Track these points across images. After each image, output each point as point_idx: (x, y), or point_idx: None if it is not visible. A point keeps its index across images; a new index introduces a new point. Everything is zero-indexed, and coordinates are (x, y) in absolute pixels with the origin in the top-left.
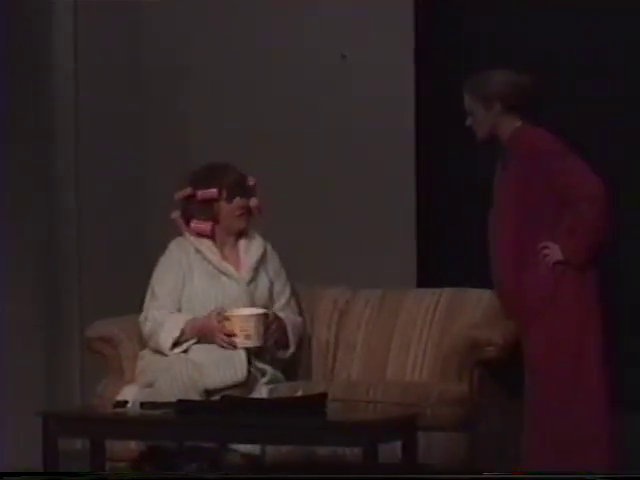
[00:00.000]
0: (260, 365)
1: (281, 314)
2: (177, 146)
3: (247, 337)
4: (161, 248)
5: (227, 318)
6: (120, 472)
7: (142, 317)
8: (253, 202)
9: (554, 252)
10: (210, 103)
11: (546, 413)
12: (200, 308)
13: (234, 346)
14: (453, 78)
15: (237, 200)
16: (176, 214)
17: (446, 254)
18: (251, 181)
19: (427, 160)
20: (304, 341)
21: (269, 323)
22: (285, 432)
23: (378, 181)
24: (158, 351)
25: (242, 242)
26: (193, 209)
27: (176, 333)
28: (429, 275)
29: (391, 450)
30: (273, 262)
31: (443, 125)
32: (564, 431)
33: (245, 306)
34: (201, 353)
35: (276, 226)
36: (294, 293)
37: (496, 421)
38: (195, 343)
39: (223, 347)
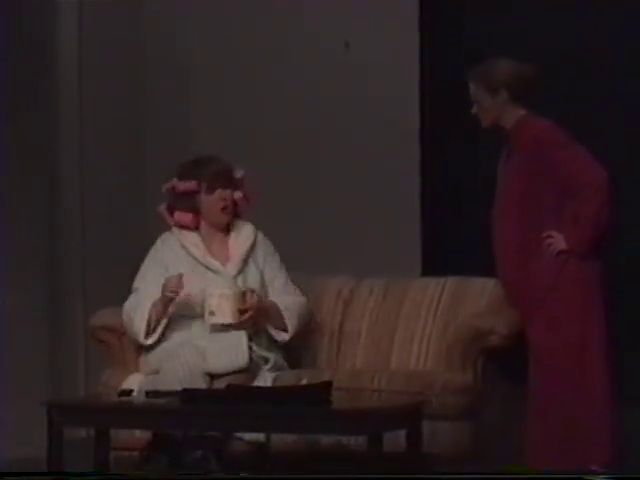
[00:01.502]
0: (262, 352)
1: (276, 299)
2: (179, 141)
3: (211, 314)
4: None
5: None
6: (121, 472)
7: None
8: (237, 194)
9: (558, 241)
10: (211, 102)
11: (549, 402)
12: (185, 304)
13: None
14: (457, 71)
15: (218, 192)
16: (162, 207)
17: (450, 243)
18: (238, 173)
19: (431, 149)
20: (309, 322)
21: (246, 302)
22: (289, 421)
23: (382, 171)
24: (162, 339)
25: (232, 235)
26: (177, 202)
27: (144, 323)
28: (433, 264)
29: (395, 439)
30: (263, 250)
31: (447, 115)
32: (567, 421)
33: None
34: (205, 339)
35: (280, 216)
36: (288, 279)
37: (500, 410)
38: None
39: (169, 299)
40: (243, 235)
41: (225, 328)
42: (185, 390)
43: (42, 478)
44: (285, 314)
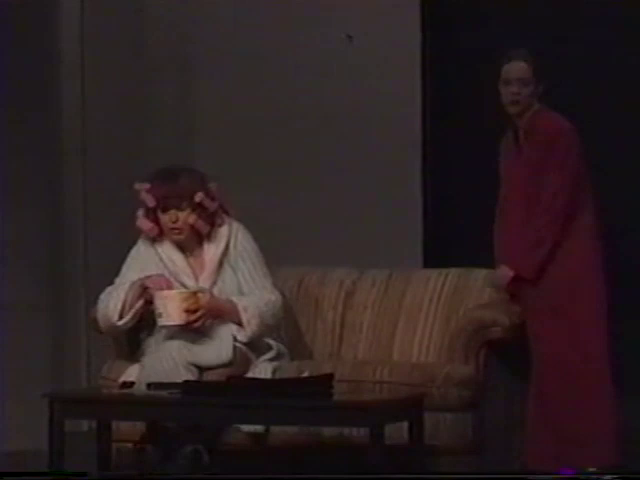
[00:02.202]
0: (254, 343)
1: (238, 299)
2: (180, 139)
3: (159, 316)
4: None
5: None
6: (121, 472)
7: None
8: (191, 218)
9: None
10: (213, 99)
11: (551, 397)
12: None
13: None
14: (459, 64)
15: (170, 213)
16: (140, 211)
17: (452, 235)
18: (197, 197)
19: (433, 141)
20: (278, 320)
21: (197, 301)
22: (291, 413)
23: (384, 163)
24: (155, 332)
25: (205, 243)
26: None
27: (119, 303)
28: (435, 256)
29: (397, 431)
30: (236, 249)
31: (449, 108)
32: (569, 417)
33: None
34: (192, 332)
35: (282, 209)
36: (263, 276)
37: (502, 402)
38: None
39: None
40: (218, 238)
41: (210, 323)
42: (186, 382)
43: (43, 478)
44: (243, 315)
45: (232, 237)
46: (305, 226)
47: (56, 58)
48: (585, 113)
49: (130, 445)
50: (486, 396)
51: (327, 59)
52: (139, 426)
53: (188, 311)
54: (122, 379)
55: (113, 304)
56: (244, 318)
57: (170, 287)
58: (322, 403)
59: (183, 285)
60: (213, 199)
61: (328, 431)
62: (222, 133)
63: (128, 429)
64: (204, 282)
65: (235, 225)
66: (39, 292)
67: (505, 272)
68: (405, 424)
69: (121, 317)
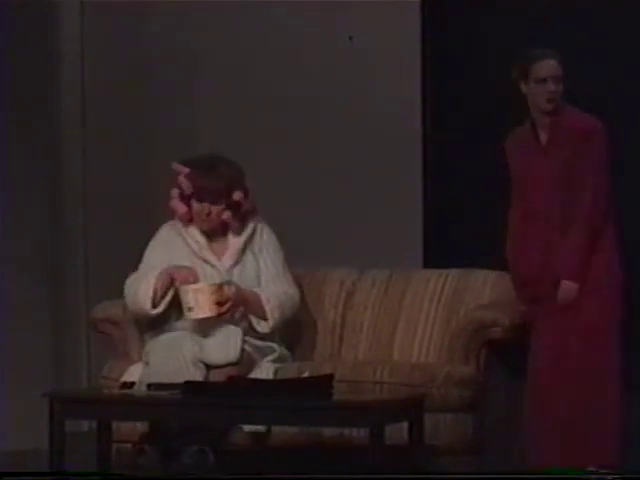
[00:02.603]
0: (259, 344)
1: (260, 290)
2: (180, 137)
3: (189, 309)
4: None
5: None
6: (122, 473)
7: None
8: (226, 215)
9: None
10: (213, 100)
11: (557, 395)
12: None
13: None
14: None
15: (204, 205)
16: (174, 191)
17: (452, 235)
18: (236, 196)
19: (433, 142)
20: (296, 315)
21: (224, 294)
22: (292, 413)
23: (384, 163)
24: (161, 330)
25: (233, 230)
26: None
27: (150, 291)
28: (435, 256)
29: (398, 431)
30: (262, 240)
31: (450, 109)
32: (568, 418)
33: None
34: (202, 332)
35: (282, 210)
36: (282, 272)
37: (503, 402)
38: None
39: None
40: (242, 231)
41: (220, 322)
42: (187, 382)
43: (43, 478)
44: (266, 305)
45: (257, 229)
46: (305, 226)
47: (56, 58)
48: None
49: (130, 445)
50: (486, 396)
51: (328, 60)
52: (139, 426)
53: (218, 303)
54: (124, 379)
55: (144, 291)
56: (267, 309)
57: (197, 281)
58: (322, 403)
59: (206, 262)
60: (248, 197)
61: (328, 431)
62: (222, 132)
63: (128, 429)
64: (227, 261)
65: (261, 222)
66: (39, 292)
67: (570, 287)
68: (405, 424)
69: (154, 305)
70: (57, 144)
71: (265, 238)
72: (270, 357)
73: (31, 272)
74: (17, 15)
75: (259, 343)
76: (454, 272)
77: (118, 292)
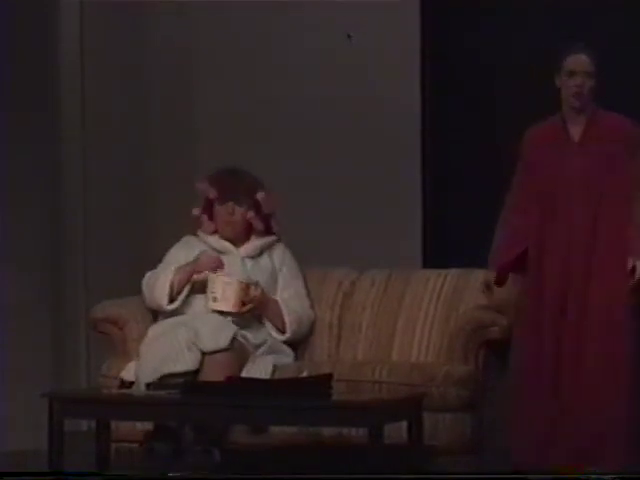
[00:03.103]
0: (252, 335)
1: (282, 301)
2: (180, 135)
3: (214, 299)
4: (166, 229)
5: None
6: (122, 473)
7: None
8: (249, 214)
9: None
10: (212, 99)
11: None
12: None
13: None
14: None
15: (228, 205)
16: (196, 209)
17: (451, 235)
18: (259, 195)
19: (432, 141)
20: (307, 335)
21: (250, 293)
22: (290, 413)
23: (383, 163)
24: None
25: (256, 235)
26: (204, 203)
27: (167, 286)
28: (434, 256)
29: (397, 431)
30: (284, 257)
31: (449, 108)
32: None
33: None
34: (198, 321)
35: (282, 209)
36: (305, 293)
37: (501, 401)
38: (187, 295)
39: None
40: (264, 233)
41: (223, 314)
42: (186, 382)
43: (43, 478)
44: (287, 317)
45: (281, 248)
46: (305, 226)
47: (56, 59)
48: None
49: (130, 444)
50: (485, 396)
51: (326, 58)
52: (139, 426)
53: (242, 301)
54: (122, 375)
55: (160, 287)
56: (287, 320)
57: (221, 267)
58: (321, 403)
59: (222, 253)
60: (269, 202)
61: (327, 431)
62: (222, 133)
63: (127, 429)
64: (242, 251)
65: (285, 247)
66: (39, 292)
67: None
68: (404, 424)
69: (171, 300)
70: (57, 144)
71: (287, 259)
72: (263, 348)
73: (31, 272)
74: (17, 15)
75: (253, 334)
76: (453, 272)
77: (117, 292)
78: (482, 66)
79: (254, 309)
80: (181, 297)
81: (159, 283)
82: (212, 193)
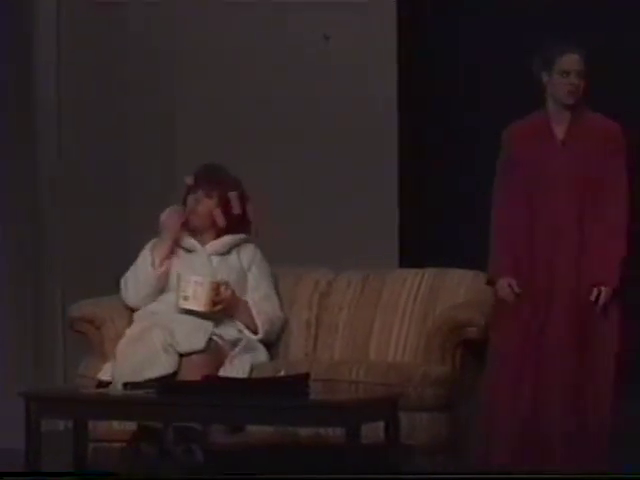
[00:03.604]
0: (228, 333)
1: (252, 302)
2: (159, 133)
3: (185, 298)
4: (142, 229)
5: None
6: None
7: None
8: (215, 209)
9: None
10: (194, 100)
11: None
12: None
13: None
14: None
15: (198, 194)
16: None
17: (428, 235)
18: (231, 194)
19: (410, 142)
20: (279, 337)
21: (220, 293)
22: (267, 412)
23: (361, 163)
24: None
25: (220, 224)
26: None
27: (149, 257)
28: (411, 256)
29: (374, 430)
30: (254, 258)
31: (426, 108)
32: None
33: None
34: (173, 322)
35: (260, 208)
36: (276, 294)
37: (478, 401)
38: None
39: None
40: (231, 231)
41: (192, 312)
42: (162, 382)
43: (20, 478)
44: (257, 318)
45: (251, 248)
46: (282, 226)
47: (31, 58)
48: None
49: (109, 444)
50: (462, 396)
51: (304, 59)
52: (116, 426)
53: (213, 302)
54: (99, 376)
55: (132, 290)
56: (258, 322)
57: (182, 218)
58: (298, 403)
59: (189, 251)
60: (243, 207)
61: (304, 431)
62: (202, 132)
63: (105, 429)
64: (209, 248)
65: (257, 248)
66: (16, 291)
67: (605, 293)
68: (381, 424)
69: (154, 266)
70: (35, 144)
71: (257, 259)
72: (239, 346)
73: (8, 271)
74: None
75: (229, 334)
76: (430, 272)
77: (95, 291)
78: (461, 65)
79: (224, 309)
80: (165, 267)
81: (130, 285)
82: (190, 180)
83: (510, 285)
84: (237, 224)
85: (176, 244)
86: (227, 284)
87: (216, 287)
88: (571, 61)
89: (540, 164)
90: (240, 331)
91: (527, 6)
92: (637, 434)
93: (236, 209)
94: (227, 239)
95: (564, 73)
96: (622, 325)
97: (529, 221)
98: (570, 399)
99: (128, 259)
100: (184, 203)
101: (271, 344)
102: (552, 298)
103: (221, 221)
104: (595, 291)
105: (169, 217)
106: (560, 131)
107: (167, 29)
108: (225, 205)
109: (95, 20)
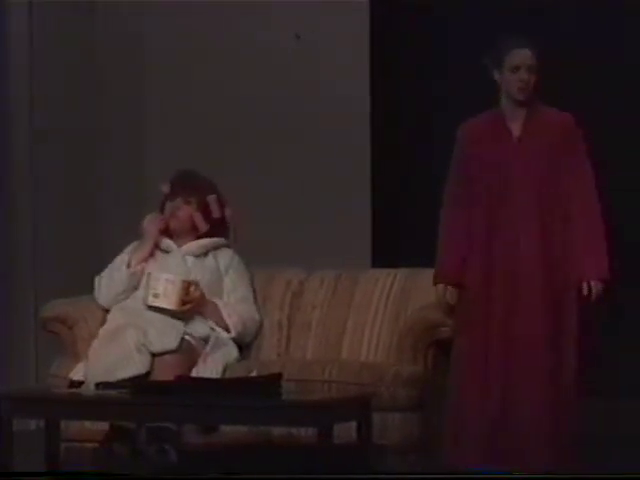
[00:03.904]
0: (200, 332)
1: (228, 305)
2: (130, 140)
3: (155, 296)
4: (116, 228)
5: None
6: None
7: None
8: (195, 214)
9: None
10: (165, 100)
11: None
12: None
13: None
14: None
15: (177, 201)
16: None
17: (401, 235)
18: (209, 198)
19: (382, 142)
20: (253, 339)
21: (190, 293)
22: (240, 412)
23: (333, 163)
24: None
25: (200, 228)
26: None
27: (126, 259)
28: (384, 256)
29: (346, 430)
30: (232, 262)
31: (399, 108)
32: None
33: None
34: (145, 322)
35: (232, 207)
36: (253, 297)
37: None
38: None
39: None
40: (210, 235)
41: (164, 312)
42: (135, 382)
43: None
44: (228, 319)
45: (229, 253)
46: (254, 226)
47: (3, 58)
48: None
49: (81, 444)
50: (434, 396)
51: (274, 58)
52: (88, 425)
53: (183, 301)
54: (71, 376)
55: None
56: (230, 323)
57: (165, 223)
58: (271, 403)
59: (165, 252)
60: (222, 210)
61: (277, 430)
62: (172, 134)
63: (77, 428)
64: (185, 249)
65: (235, 253)
66: None
67: (598, 287)
68: (354, 423)
69: (129, 266)
70: (5, 145)
71: (235, 263)
72: (210, 343)
73: None
74: None
75: (199, 332)
76: (402, 272)
77: (67, 291)
78: (432, 68)
79: (192, 309)
80: (140, 266)
81: (103, 284)
82: (166, 188)
83: (448, 290)
84: (216, 228)
85: (155, 247)
86: (197, 285)
87: (186, 286)
88: (520, 56)
89: (496, 162)
90: (212, 329)
91: (499, 6)
92: (605, 432)
93: (215, 213)
94: (203, 241)
95: (514, 69)
96: (585, 323)
97: (485, 220)
98: (532, 399)
99: (101, 259)
100: (161, 210)
101: (244, 345)
102: (514, 297)
103: (202, 226)
104: (585, 286)
105: (150, 223)
106: (515, 128)
107: (136, 29)
108: (204, 209)
109: (66, 22)
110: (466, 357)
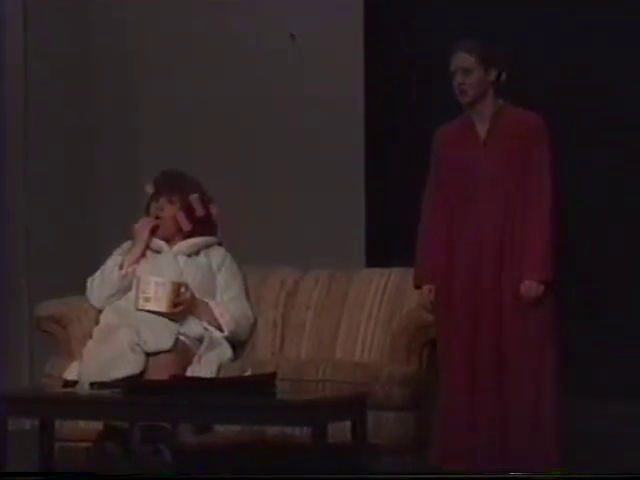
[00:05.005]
0: (192, 331)
1: (217, 304)
2: (124, 139)
3: (146, 299)
4: (109, 229)
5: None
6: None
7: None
8: (178, 214)
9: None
10: (158, 98)
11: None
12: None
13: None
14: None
15: (161, 201)
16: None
17: (395, 234)
18: (192, 197)
19: (376, 141)
20: (247, 337)
21: (180, 295)
22: (234, 412)
23: (328, 163)
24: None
25: (185, 227)
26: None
27: (119, 260)
28: (378, 255)
29: (340, 429)
30: (224, 261)
31: (393, 108)
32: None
33: (171, 276)
34: (140, 322)
35: (226, 207)
36: (245, 296)
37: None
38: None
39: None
40: (197, 234)
41: (157, 313)
42: (129, 381)
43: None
44: (221, 318)
45: (220, 252)
46: (248, 225)
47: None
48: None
49: (75, 444)
50: (428, 395)
51: (270, 58)
52: (82, 425)
53: (173, 303)
54: (65, 375)
55: (97, 290)
56: (222, 322)
57: (156, 226)
58: (265, 402)
59: (157, 252)
60: (206, 208)
61: (271, 430)
62: (164, 133)
63: (71, 428)
64: (176, 248)
65: (226, 252)
66: None
67: (535, 287)
68: (348, 423)
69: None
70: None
71: (227, 262)
72: (204, 344)
73: None
74: None
75: (194, 331)
76: (396, 271)
77: (61, 291)
78: (426, 67)
79: (183, 311)
80: (132, 268)
81: (95, 285)
82: (150, 189)
83: (430, 291)
84: (202, 226)
85: (147, 248)
86: (186, 286)
87: (177, 288)
88: (455, 61)
89: (464, 165)
90: (205, 328)
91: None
92: (584, 431)
93: (199, 211)
94: (194, 240)
95: (452, 74)
96: (556, 321)
97: (455, 224)
98: (506, 398)
99: (95, 259)
100: (147, 211)
101: (238, 344)
102: (482, 300)
103: (185, 225)
104: (526, 285)
105: (142, 225)
106: (482, 131)
107: (127, 29)
108: (188, 209)
109: (56, 22)
110: (445, 357)
